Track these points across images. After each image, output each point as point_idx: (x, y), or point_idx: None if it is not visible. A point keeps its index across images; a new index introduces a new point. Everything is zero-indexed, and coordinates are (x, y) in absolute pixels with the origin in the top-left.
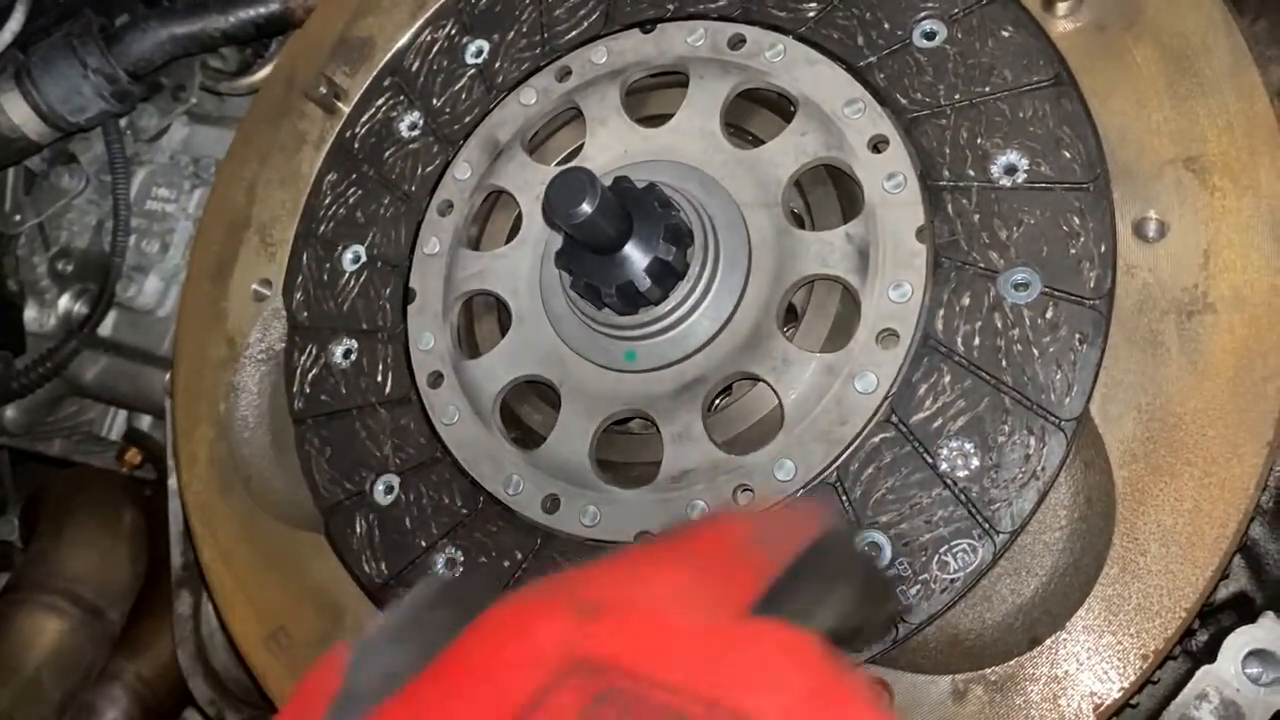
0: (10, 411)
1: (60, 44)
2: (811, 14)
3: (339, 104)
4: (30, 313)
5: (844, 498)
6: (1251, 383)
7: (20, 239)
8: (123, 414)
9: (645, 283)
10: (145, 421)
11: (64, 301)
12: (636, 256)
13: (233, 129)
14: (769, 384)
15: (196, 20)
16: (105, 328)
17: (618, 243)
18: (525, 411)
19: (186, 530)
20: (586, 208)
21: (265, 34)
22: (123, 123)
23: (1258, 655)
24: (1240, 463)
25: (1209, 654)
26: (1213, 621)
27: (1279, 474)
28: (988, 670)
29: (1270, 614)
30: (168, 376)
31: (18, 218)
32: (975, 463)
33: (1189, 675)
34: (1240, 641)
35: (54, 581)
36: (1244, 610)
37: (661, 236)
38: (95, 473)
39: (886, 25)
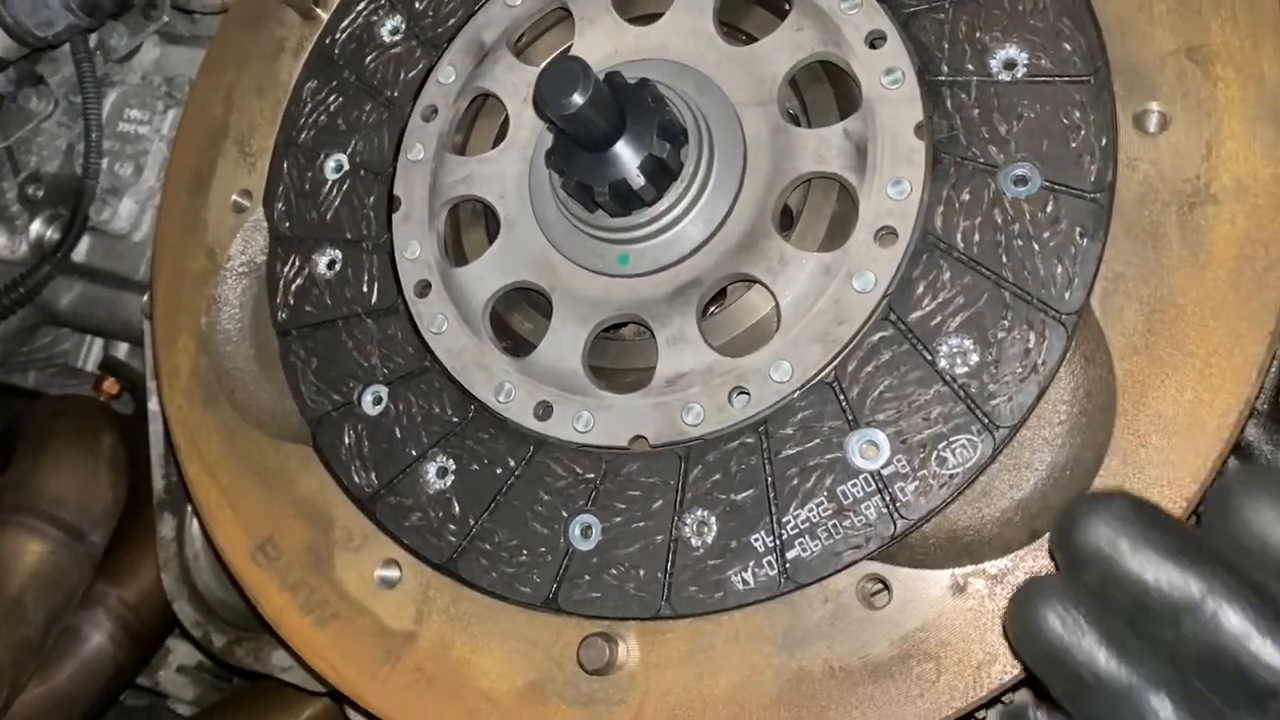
0: None
1: None
2: None
3: (318, 10)
4: (0, 239)
5: (841, 397)
6: (1253, 273)
7: None
8: (99, 345)
9: (639, 181)
10: (122, 350)
11: (36, 227)
12: (629, 154)
13: (205, 49)
14: (765, 285)
15: None
16: (79, 253)
17: (610, 138)
18: (515, 320)
19: (168, 452)
20: (578, 98)
21: None
22: (92, 42)
23: None
24: (1241, 352)
25: None
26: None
27: (1274, 375)
28: (987, 564)
29: None
30: (145, 297)
31: None
32: (974, 359)
33: None
34: None
35: (34, 503)
36: None
37: (655, 133)
38: (75, 398)
39: None
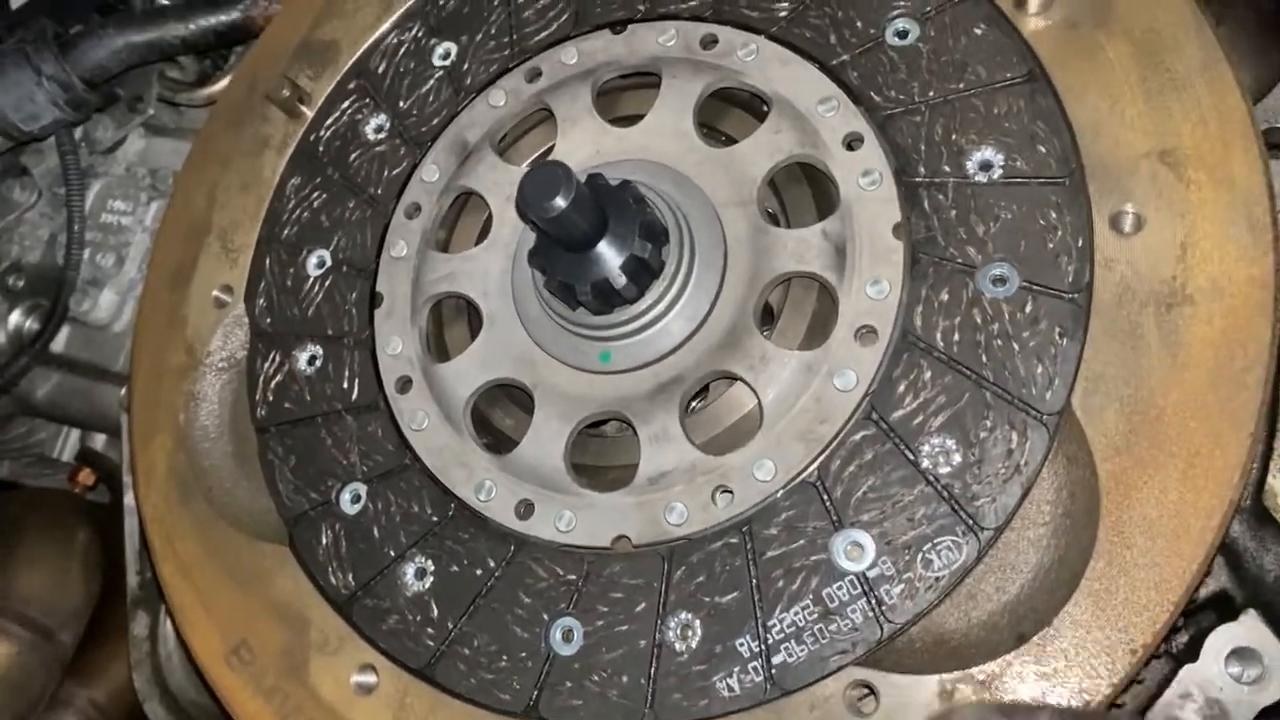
0: None
1: (13, 51)
2: (783, 13)
3: (302, 107)
4: None
5: (825, 497)
6: (1232, 373)
7: None
8: (75, 435)
9: (620, 280)
10: (99, 441)
11: (15, 317)
12: (611, 254)
13: (191, 141)
14: (747, 383)
15: (154, 28)
16: (58, 344)
17: (592, 239)
18: (497, 416)
19: (143, 548)
20: (561, 202)
21: (225, 43)
22: (77, 134)
23: (1239, 654)
24: (1223, 454)
25: (1191, 654)
26: (1193, 621)
27: (1254, 472)
28: (975, 669)
29: (1251, 612)
30: (123, 390)
31: None
32: (957, 459)
33: (1171, 675)
34: (1222, 640)
35: (2, 602)
36: (1224, 609)
37: (637, 233)
38: (49, 492)
39: (859, 24)
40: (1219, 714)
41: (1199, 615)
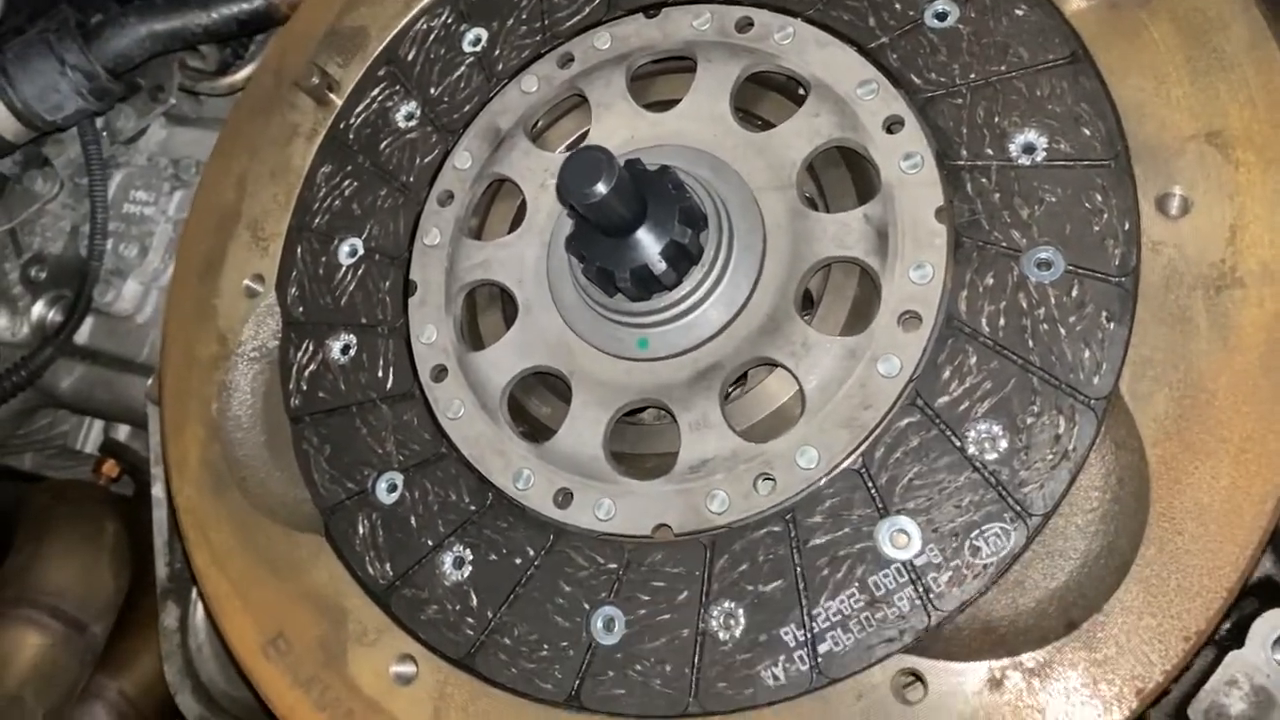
0: None
1: (36, 41)
2: None
3: (331, 95)
4: (1, 321)
5: (870, 484)
6: None
7: None
8: (98, 426)
9: (660, 266)
10: (123, 432)
11: (38, 309)
12: (650, 240)
13: (212, 130)
14: (789, 369)
15: (177, 16)
16: (81, 335)
17: (632, 225)
18: (533, 404)
19: (172, 539)
20: (602, 188)
21: (247, 31)
22: (99, 124)
23: None
24: (1276, 438)
25: (1235, 640)
26: (1238, 607)
27: None
28: (1024, 656)
29: None
30: (150, 381)
31: None
32: (1004, 445)
33: (1216, 662)
34: (1269, 626)
35: (34, 595)
36: (1269, 595)
37: (676, 219)
38: (76, 484)
39: (897, 6)
40: (1265, 701)
41: (1243, 601)
